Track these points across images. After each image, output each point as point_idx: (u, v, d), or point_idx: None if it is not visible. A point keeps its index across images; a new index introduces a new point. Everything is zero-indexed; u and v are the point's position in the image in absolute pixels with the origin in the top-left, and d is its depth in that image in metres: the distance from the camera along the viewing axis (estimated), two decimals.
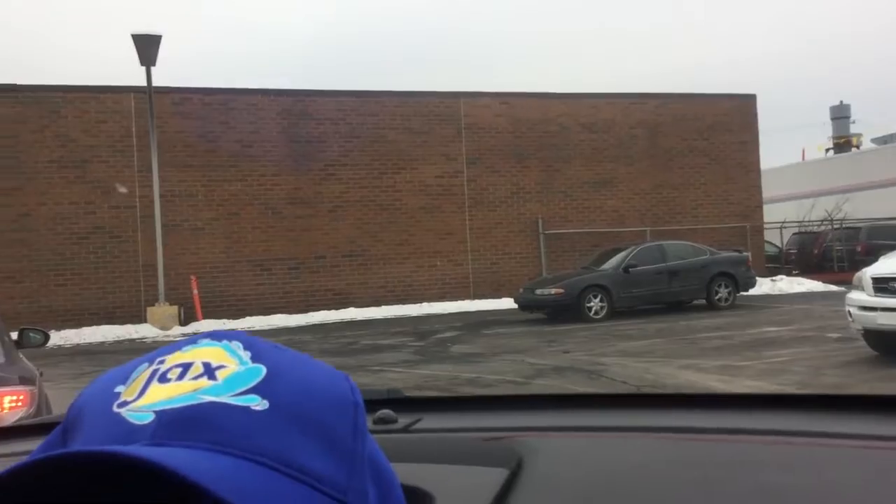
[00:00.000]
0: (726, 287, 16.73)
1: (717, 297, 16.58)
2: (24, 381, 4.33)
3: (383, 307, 18.69)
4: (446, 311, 18.23)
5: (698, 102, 22.27)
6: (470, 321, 16.19)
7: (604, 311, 15.50)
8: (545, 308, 15.87)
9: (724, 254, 17.48)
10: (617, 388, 8.24)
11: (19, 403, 4.17)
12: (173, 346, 0.60)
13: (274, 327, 16.74)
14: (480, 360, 10.81)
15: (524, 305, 16.17)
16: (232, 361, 0.57)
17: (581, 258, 19.70)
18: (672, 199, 21.91)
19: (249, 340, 0.60)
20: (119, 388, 0.56)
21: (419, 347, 12.60)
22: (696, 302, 16.71)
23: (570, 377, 9.12)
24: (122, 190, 17.44)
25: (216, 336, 0.60)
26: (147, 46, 16.43)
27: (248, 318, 17.80)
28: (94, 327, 16.65)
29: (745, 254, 18.09)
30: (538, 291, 15.95)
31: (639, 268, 16.09)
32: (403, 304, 18.97)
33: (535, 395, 1.14)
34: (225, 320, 17.54)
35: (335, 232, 19.11)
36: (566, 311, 15.39)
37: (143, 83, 16.82)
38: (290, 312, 18.23)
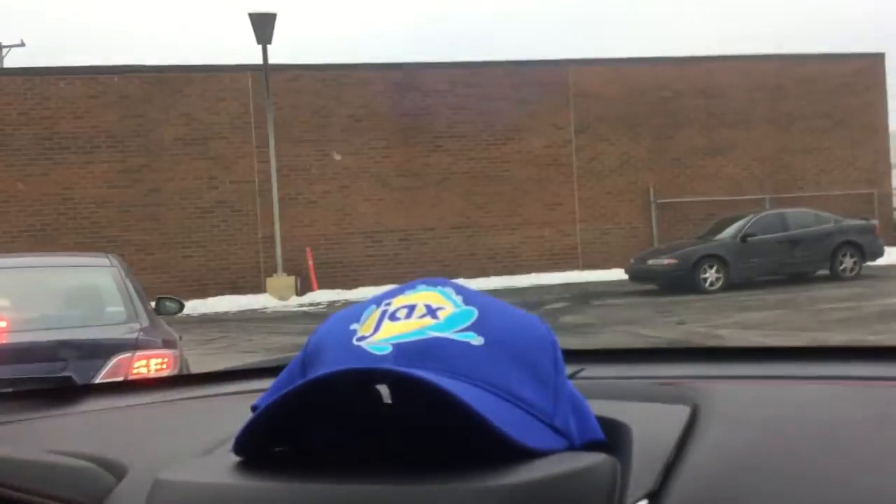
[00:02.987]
0: (852, 257, 15.97)
1: (841, 268, 15.85)
2: (168, 344, 4.63)
3: (491, 278, 18.78)
4: (555, 282, 18.16)
5: (822, 63, 21.11)
6: (579, 292, 16.08)
7: (719, 283, 15.10)
8: (657, 279, 15.60)
9: (850, 222, 16.66)
10: None
11: (164, 366, 4.45)
12: (394, 290, 0.69)
13: None
14: (591, 330, 10.76)
15: (635, 276, 15.93)
16: (448, 304, 0.65)
17: (695, 228, 19.17)
18: (793, 166, 20.96)
19: (459, 287, 0.68)
20: (354, 326, 0.65)
21: None
22: (818, 273, 16.05)
23: None
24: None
25: (431, 283, 0.68)
26: (263, 25, 16.95)
27: (360, 288, 18.25)
28: (219, 297, 17.50)
29: (872, 222, 17.20)
30: (650, 262, 15.68)
31: (758, 237, 15.56)
32: (511, 275, 19.00)
33: (697, 348, 1.18)
34: (338, 290, 18.08)
35: (443, 203, 19.30)
36: (679, 282, 15.06)
37: (260, 62, 17.39)
38: (400, 283, 18.56)
